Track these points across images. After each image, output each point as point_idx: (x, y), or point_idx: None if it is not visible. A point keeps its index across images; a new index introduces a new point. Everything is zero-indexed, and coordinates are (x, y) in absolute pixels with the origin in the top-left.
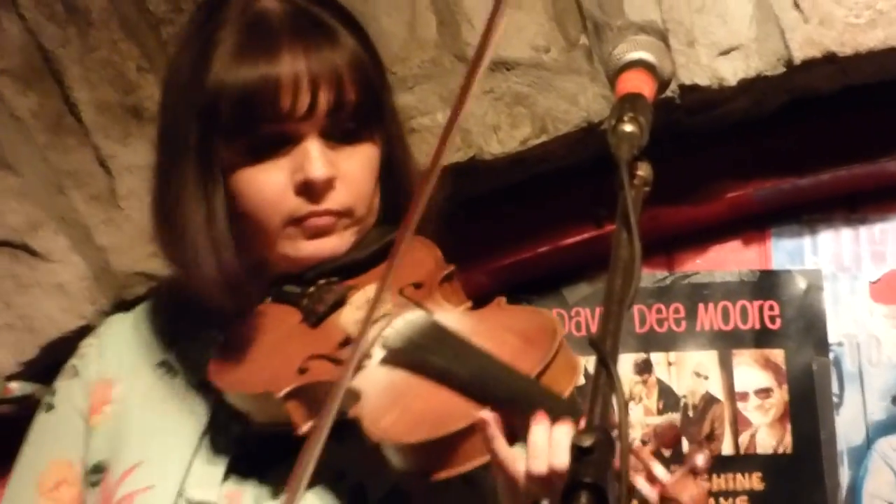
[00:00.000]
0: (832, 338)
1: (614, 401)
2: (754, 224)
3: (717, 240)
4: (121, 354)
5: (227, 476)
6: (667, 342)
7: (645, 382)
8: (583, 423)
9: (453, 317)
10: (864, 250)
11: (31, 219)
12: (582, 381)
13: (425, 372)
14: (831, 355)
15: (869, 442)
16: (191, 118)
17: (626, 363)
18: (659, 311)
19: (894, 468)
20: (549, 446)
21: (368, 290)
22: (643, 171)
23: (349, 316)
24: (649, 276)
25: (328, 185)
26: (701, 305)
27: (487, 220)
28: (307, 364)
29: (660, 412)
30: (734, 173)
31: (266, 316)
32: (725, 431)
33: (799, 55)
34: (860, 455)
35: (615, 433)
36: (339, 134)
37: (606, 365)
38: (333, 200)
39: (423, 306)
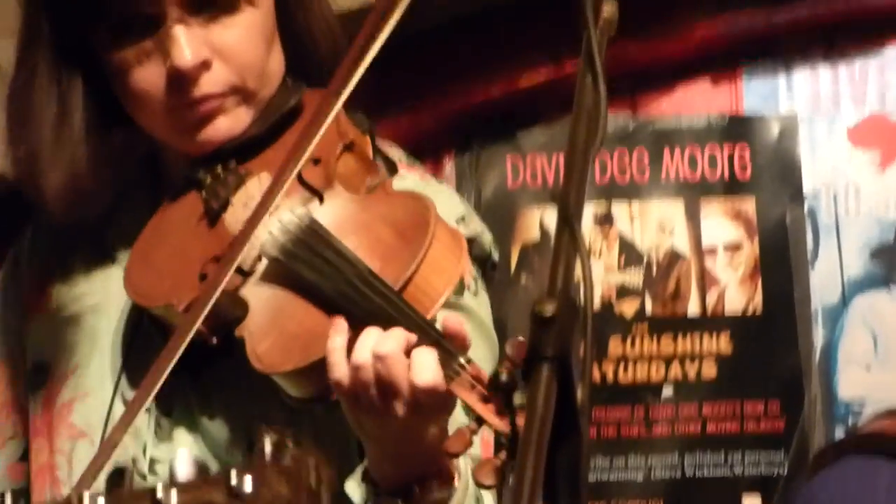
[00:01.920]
0: (807, 187)
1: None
2: (725, 62)
3: (684, 80)
4: (60, 246)
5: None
6: (629, 192)
7: (606, 236)
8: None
9: (340, 205)
10: (843, 90)
11: None
12: (469, 267)
13: (297, 286)
14: (806, 206)
15: (845, 300)
16: (38, 14)
17: (584, 214)
18: (621, 157)
19: (873, 328)
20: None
21: (261, 180)
22: (608, 11)
23: (234, 215)
24: (611, 120)
25: (202, 68)
26: (666, 151)
27: (434, 59)
28: (207, 269)
29: (621, 268)
30: (704, 6)
31: (174, 209)
32: (692, 289)
33: None
34: (836, 314)
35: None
36: (208, 6)
37: (570, 223)
38: (213, 82)
39: (317, 191)
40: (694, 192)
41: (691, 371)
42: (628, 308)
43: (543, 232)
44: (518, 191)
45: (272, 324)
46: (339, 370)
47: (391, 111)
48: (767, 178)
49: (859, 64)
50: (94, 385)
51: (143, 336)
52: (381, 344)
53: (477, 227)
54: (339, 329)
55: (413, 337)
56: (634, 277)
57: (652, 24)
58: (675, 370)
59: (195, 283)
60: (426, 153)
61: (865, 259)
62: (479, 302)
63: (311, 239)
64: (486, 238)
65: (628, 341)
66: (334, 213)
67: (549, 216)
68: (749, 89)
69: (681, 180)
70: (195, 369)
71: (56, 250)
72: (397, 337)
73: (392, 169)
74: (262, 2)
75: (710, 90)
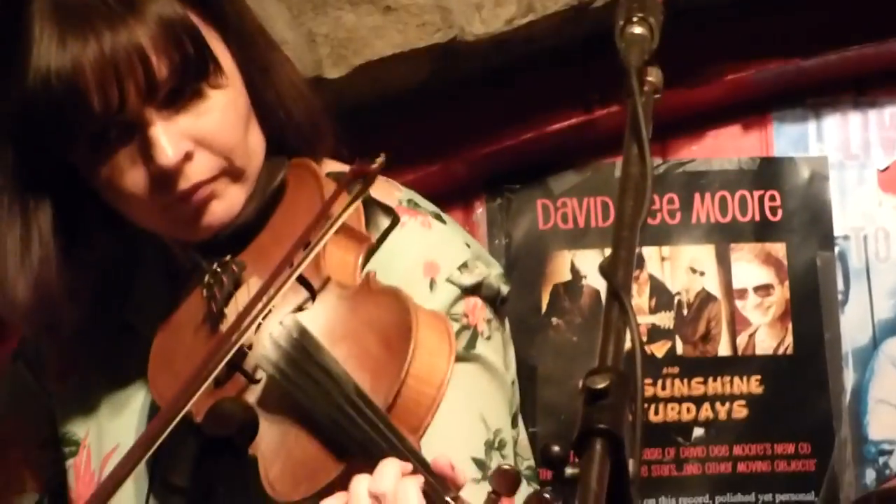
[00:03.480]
0: (837, 231)
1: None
2: (755, 108)
3: (715, 125)
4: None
5: (198, 461)
6: (660, 235)
7: (637, 278)
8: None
9: (330, 305)
10: (872, 136)
11: None
12: (483, 313)
13: (296, 408)
14: (836, 249)
15: (875, 343)
16: (5, 136)
17: None
18: (651, 201)
19: None
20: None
21: (251, 286)
22: (653, 76)
23: (230, 320)
24: None
25: (185, 161)
26: (697, 195)
27: (467, 105)
28: (222, 377)
29: (652, 311)
30: (734, 53)
31: (184, 305)
32: (722, 331)
33: None
34: (866, 356)
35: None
36: (178, 100)
37: (619, 297)
38: (200, 171)
39: (310, 287)
40: (724, 235)
41: (722, 412)
42: (659, 350)
43: (574, 274)
44: (549, 233)
45: (280, 446)
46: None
47: (423, 159)
48: (798, 221)
49: (889, 110)
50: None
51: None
52: (375, 484)
53: (482, 269)
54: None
55: (408, 467)
56: (665, 319)
57: (683, 70)
58: (706, 411)
59: (210, 387)
60: (457, 199)
61: (895, 302)
62: (492, 346)
63: (301, 356)
64: (494, 276)
65: (659, 383)
66: (325, 315)
67: (580, 258)
68: (779, 134)
69: (711, 223)
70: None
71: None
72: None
73: (393, 221)
74: (231, 82)
75: (740, 135)
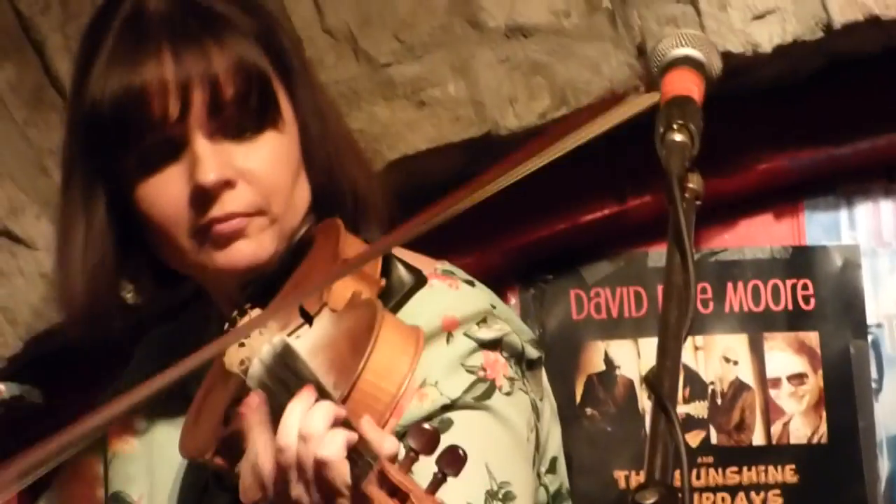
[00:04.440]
0: (871, 319)
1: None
2: (787, 197)
3: (746, 214)
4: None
5: None
6: (693, 325)
7: None
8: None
9: (320, 327)
10: None
11: (12, 202)
12: (504, 369)
13: (274, 415)
14: (870, 338)
15: None
16: (74, 137)
17: (648, 347)
18: (696, 311)
19: None
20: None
21: (251, 315)
22: (694, 183)
23: (234, 353)
24: None
25: (224, 187)
26: (730, 285)
27: (501, 197)
28: (229, 412)
29: (686, 400)
30: (765, 142)
31: (216, 363)
32: (756, 420)
33: (839, 19)
34: None
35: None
36: (230, 130)
37: (665, 409)
38: (237, 202)
39: (309, 317)
40: (757, 325)
41: (757, 501)
42: (693, 440)
43: (608, 364)
44: (582, 324)
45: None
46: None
47: (458, 250)
48: (831, 310)
49: None
50: None
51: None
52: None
53: (503, 326)
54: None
55: (342, 413)
56: (699, 409)
57: (714, 159)
58: (741, 501)
59: (219, 429)
60: (491, 289)
61: None
62: (512, 402)
63: (281, 366)
64: (517, 337)
65: (694, 473)
66: (315, 334)
67: (614, 349)
68: (811, 222)
69: (744, 312)
70: None
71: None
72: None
73: (419, 280)
74: (287, 129)
75: (772, 223)
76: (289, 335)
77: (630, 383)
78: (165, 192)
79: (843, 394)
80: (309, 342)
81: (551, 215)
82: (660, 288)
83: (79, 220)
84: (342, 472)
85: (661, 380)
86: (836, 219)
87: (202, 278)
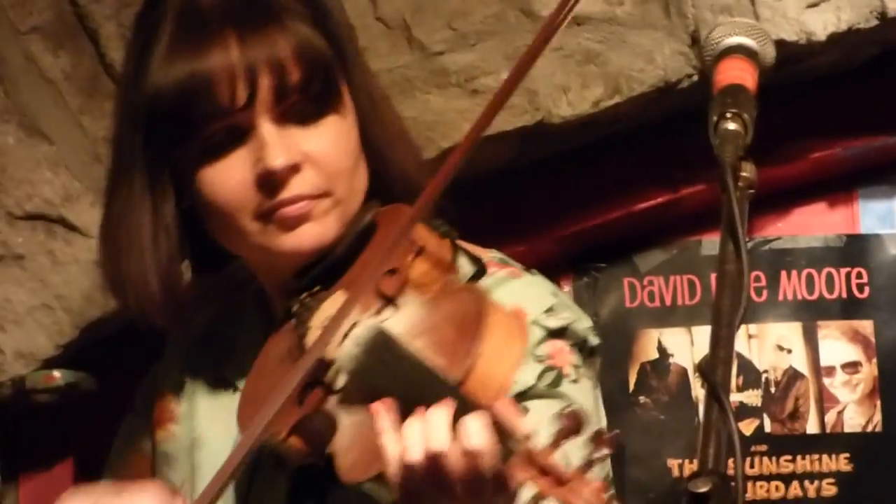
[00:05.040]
0: None
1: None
2: (841, 185)
3: (800, 202)
4: (183, 366)
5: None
6: (747, 313)
7: None
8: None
9: (410, 311)
10: None
11: (67, 190)
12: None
13: (374, 397)
14: None
15: None
16: (134, 125)
17: (701, 336)
18: (749, 299)
19: None
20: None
21: (337, 298)
22: (748, 171)
23: (313, 336)
24: None
25: (291, 171)
26: (783, 273)
27: (554, 185)
28: (303, 395)
29: (739, 389)
30: (819, 131)
31: (273, 345)
32: (810, 409)
33: (894, 6)
34: None
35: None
36: (295, 115)
37: (719, 398)
38: (303, 184)
39: (392, 301)
40: (811, 313)
41: (811, 490)
42: (747, 428)
43: (661, 352)
44: (635, 312)
45: (355, 437)
46: (415, 449)
47: (510, 239)
48: (885, 298)
49: None
50: None
51: (262, 472)
52: (430, 432)
53: (568, 315)
54: (416, 413)
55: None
56: (753, 398)
57: (768, 148)
58: (795, 489)
59: (294, 409)
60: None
61: None
62: (580, 389)
63: (380, 349)
64: (581, 325)
65: (748, 461)
66: (406, 319)
67: (667, 337)
68: (865, 211)
69: (798, 301)
70: (319, 498)
71: (185, 374)
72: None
73: (480, 269)
74: (347, 114)
75: (826, 212)
76: (376, 317)
77: (683, 371)
78: (231, 177)
79: None
80: (402, 325)
81: (605, 204)
82: (713, 276)
83: (144, 211)
84: (492, 460)
85: (715, 368)
86: (891, 207)
87: (258, 263)
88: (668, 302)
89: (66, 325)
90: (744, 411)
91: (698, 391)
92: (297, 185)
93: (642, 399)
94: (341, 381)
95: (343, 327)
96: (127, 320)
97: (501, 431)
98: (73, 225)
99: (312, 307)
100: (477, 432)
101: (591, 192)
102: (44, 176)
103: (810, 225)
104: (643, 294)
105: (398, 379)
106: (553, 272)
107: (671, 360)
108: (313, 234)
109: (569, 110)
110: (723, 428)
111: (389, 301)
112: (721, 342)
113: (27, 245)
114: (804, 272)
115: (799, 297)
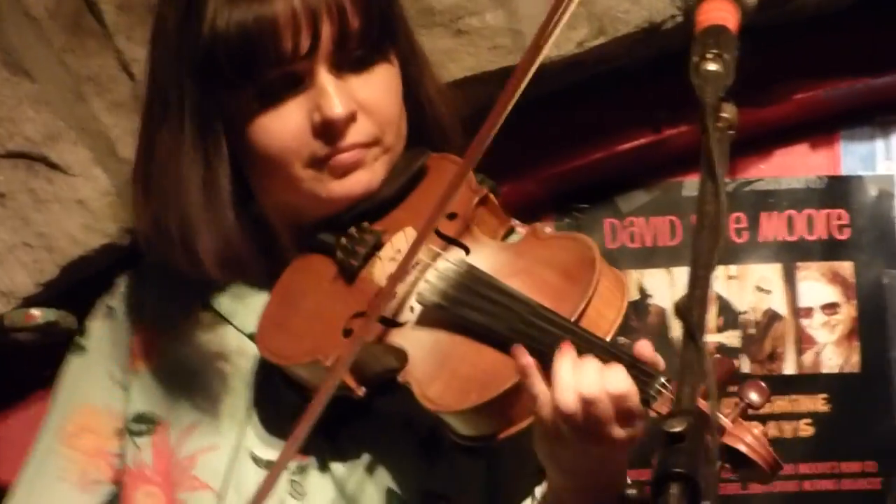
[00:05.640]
0: None
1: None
2: (823, 127)
3: (782, 144)
4: (165, 299)
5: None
6: (727, 254)
7: None
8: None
9: (490, 253)
10: None
11: (49, 128)
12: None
13: (465, 329)
14: None
15: None
16: (185, 72)
17: (681, 276)
18: (727, 239)
19: None
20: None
21: (406, 234)
22: (728, 112)
23: (382, 269)
24: None
25: (349, 120)
26: (764, 214)
27: (537, 125)
28: (350, 324)
29: (719, 329)
30: (803, 72)
31: (304, 272)
32: (789, 350)
33: None
34: None
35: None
36: (351, 63)
37: (695, 338)
38: (358, 132)
39: (460, 243)
40: (791, 254)
41: (788, 430)
42: None
43: (642, 293)
44: (616, 253)
45: (441, 367)
46: (566, 397)
47: (494, 179)
48: (865, 240)
49: None
50: (220, 441)
51: (273, 396)
52: (611, 383)
53: None
54: (565, 351)
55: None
56: (732, 338)
57: (751, 89)
58: (772, 429)
59: (339, 339)
60: (526, 217)
61: None
62: None
63: (474, 283)
64: None
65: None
66: (486, 261)
67: (648, 278)
68: (847, 153)
69: (779, 242)
70: (332, 429)
71: (162, 305)
72: (621, 374)
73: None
74: (394, 61)
75: (808, 154)
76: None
77: (663, 312)
78: (287, 125)
79: (876, 324)
80: (486, 265)
81: (587, 144)
82: (692, 216)
83: (195, 164)
84: (636, 400)
85: (691, 308)
86: (872, 149)
87: (290, 207)
88: (648, 243)
89: (46, 263)
90: (723, 352)
91: (677, 331)
92: (353, 134)
93: (622, 339)
94: (413, 316)
95: (413, 262)
96: (110, 259)
97: (646, 373)
98: (55, 163)
99: (367, 239)
100: (622, 377)
101: (574, 132)
102: (26, 114)
103: (792, 166)
104: (624, 235)
105: (499, 313)
106: (535, 212)
107: (651, 300)
108: (363, 180)
109: (554, 51)
110: (698, 368)
111: (458, 244)
112: (698, 282)
113: (8, 183)
114: (785, 213)
115: (780, 238)
